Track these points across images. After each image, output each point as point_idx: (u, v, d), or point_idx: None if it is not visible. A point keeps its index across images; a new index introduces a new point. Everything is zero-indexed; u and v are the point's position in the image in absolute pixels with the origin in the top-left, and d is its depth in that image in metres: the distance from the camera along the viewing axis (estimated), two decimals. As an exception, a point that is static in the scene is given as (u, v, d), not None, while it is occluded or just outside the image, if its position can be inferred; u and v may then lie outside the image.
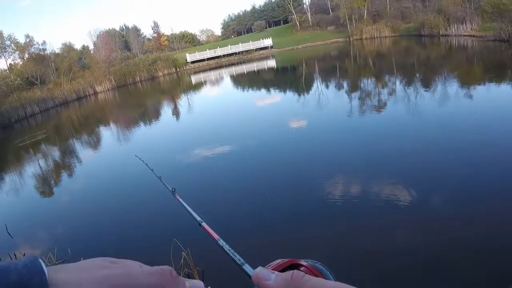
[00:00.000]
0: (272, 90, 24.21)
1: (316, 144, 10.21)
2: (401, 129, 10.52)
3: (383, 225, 5.68)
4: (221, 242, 1.10)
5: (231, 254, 0.90)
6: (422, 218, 5.71)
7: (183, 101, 26.55)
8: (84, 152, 15.41)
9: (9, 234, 7.65)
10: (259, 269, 0.53)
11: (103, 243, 6.87)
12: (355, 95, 17.14)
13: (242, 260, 0.79)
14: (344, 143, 10.06)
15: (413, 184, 6.81)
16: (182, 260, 4.91)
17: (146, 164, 3.57)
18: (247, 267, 0.72)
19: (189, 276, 4.95)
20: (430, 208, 5.96)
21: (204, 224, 1.36)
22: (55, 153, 17.28)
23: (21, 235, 7.80)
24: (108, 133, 19.80)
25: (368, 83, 20.04)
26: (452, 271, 4.41)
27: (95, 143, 17.36)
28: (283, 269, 0.55)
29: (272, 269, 0.49)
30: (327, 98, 17.28)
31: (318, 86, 22.42)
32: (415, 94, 14.62)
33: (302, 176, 8.06)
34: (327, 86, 21.75)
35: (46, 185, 11.96)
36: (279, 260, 0.56)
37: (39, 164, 14.64)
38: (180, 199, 1.86)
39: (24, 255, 5.68)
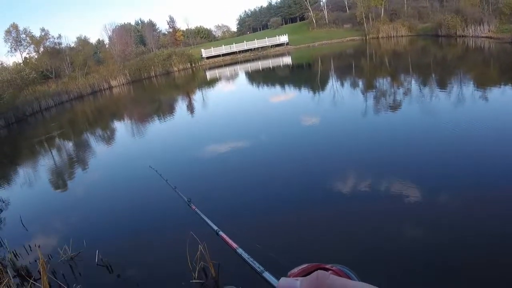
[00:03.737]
0: (287, 87, 24.11)
1: (335, 145, 10.17)
2: (414, 129, 10.39)
3: (405, 224, 5.62)
4: (240, 251, 1.04)
5: (250, 263, 0.86)
6: (437, 215, 5.67)
7: (197, 97, 26.59)
8: (97, 148, 15.45)
9: (24, 225, 7.71)
10: (283, 279, 0.50)
11: (119, 235, 6.88)
12: (370, 94, 16.96)
13: (261, 268, 0.74)
14: (360, 141, 9.94)
15: (430, 182, 6.75)
16: (198, 253, 4.90)
17: (160, 175, 3.49)
18: (267, 275, 0.68)
19: (205, 269, 4.93)
20: (446, 207, 5.90)
21: (221, 233, 1.31)
22: (69, 148, 17.39)
23: (35, 226, 7.86)
24: (121, 130, 19.88)
25: (383, 83, 19.83)
26: (464, 269, 4.36)
27: (109, 140, 17.43)
28: (308, 273, 0.51)
29: (297, 275, 0.49)
30: (342, 97, 17.12)
31: (333, 84, 22.27)
32: (430, 95, 14.42)
33: (321, 179, 7.95)
34: (342, 85, 21.56)
35: (60, 179, 12.01)
36: (304, 265, 0.52)
37: (52, 159, 14.74)
38: (196, 209, 1.82)
39: (39, 247, 5.69)
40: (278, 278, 0.54)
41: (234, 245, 1.14)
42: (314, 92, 20.03)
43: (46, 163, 13.94)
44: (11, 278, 5.24)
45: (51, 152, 16.24)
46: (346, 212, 6.33)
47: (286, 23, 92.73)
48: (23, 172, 13.59)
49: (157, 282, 5.14)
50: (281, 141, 11.34)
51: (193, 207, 1.92)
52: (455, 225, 5.32)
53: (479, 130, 9.16)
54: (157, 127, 17.55)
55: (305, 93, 20.77)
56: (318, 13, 67.57)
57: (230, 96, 24.77)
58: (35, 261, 5.88)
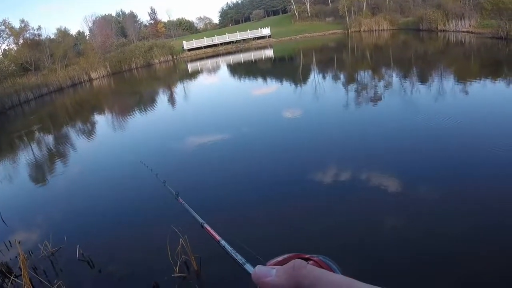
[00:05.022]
0: (270, 80, 24.15)
1: (318, 137, 10.25)
2: (394, 122, 10.55)
3: (385, 215, 5.76)
4: (223, 243, 1.08)
5: (232, 255, 0.89)
6: (418, 208, 5.81)
7: (178, 90, 26.46)
8: (78, 142, 15.22)
9: (4, 221, 7.65)
10: (258, 267, 0.49)
11: (100, 230, 6.85)
12: (351, 86, 17.18)
13: (243, 260, 0.78)
14: (341, 134, 10.12)
15: (411, 174, 6.93)
16: (180, 246, 4.92)
17: (151, 170, 3.50)
18: (248, 267, 0.70)
19: (186, 263, 4.97)
20: (428, 199, 6.03)
21: (206, 225, 1.35)
22: (49, 142, 17.15)
23: (16, 222, 7.79)
24: (102, 124, 19.65)
25: (364, 75, 20.08)
26: (452, 262, 4.46)
27: (89, 134, 17.20)
28: (286, 263, 0.49)
29: (275, 265, 0.48)
30: (324, 90, 17.26)
31: (315, 77, 22.43)
32: (410, 88, 14.65)
33: (305, 171, 8.03)
34: (324, 77, 21.74)
35: (40, 174, 11.86)
36: (284, 255, 0.51)
37: (33, 153, 14.54)
38: (183, 202, 1.85)
39: (19, 242, 5.65)
40: None
41: (218, 237, 1.17)
42: (296, 85, 20.13)
43: (26, 158, 13.73)
44: (-9, 274, 5.21)
45: (31, 147, 16.00)
46: (330, 204, 6.46)
47: (268, 16, 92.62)
48: (2, 168, 13.38)
49: (138, 276, 5.16)
50: (265, 134, 11.45)
51: (180, 200, 1.96)
52: (435, 218, 5.46)
53: (459, 123, 9.39)
54: (137, 121, 17.43)
55: (287, 86, 20.87)
56: (301, 6, 67.52)
57: (212, 89, 24.67)
58: (16, 257, 5.86)
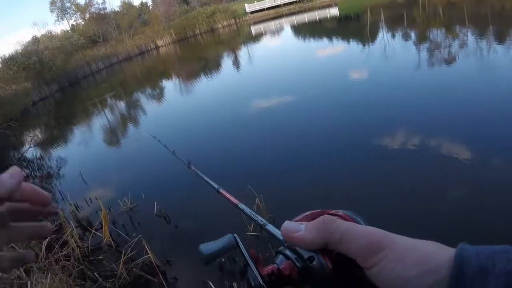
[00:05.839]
0: (334, 40, 23.37)
1: (377, 100, 9.51)
2: (469, 85, 9.18)
3: (451, 186, 5.18)
4: (242, 206, 1.01)
5: (252, 216, 0.88)
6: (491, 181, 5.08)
7: (242, 54, 26.34)
8: (148, 108, 15.58)
9: (84, 180, 8.03)
10: (287, 222, 0.49)
11: (176, 189, 6.83)
12: (423, 47, 15.91)
13: (264, 221, 0.75)
14: (403, 98, 9.31)
15: (484, 144, 6.07)
16: (255, 206, 4.84)
17: (159, 141, 3.26)
18: (270, 227, 0.71)
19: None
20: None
21: (222, 190, 1.29)
22: (121, 108, 17.83)
23: (94, 181, 8.15)
24: (170, 89, 20.11)
25: (437, 34, 18.69)
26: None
27: (159, 99, 17.66)
28: (313, 219, 0.50)
29: (302, 221, 0.49)
30: (393, 49, 16.32)
31: (384, 36, 21.29)
32: (488, 48, 13.17)
33: (362, 135, 7.46)
34: (393, 36, 20.55)
35: (114, 138, 12.47)
36: (308, 212, 0.52)
37: (106, 119, 15.16)
38: (195, 169, 1.89)
39: (99, 199, 5.87)
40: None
41: (235, 200, 1.10)
42: (363, 45, 19.21)
43: (100, 123, 14.40)
44: (74, 228, 5.42)
45: (105, 113, 16.69)
46: (386, 169, 5.96)
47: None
48: (80, 132, 14.11)
49: (212, 234, 5.12)
50: (326, 95, 10.92)
51: (193, 167, 1.93)
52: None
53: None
54: (203, 86, 17.50)
55: (353, 46, 20.03)
56: (367, -39, 64.46)
57: (274, 50, 24.35)
58: (96, 212, 6.13)
